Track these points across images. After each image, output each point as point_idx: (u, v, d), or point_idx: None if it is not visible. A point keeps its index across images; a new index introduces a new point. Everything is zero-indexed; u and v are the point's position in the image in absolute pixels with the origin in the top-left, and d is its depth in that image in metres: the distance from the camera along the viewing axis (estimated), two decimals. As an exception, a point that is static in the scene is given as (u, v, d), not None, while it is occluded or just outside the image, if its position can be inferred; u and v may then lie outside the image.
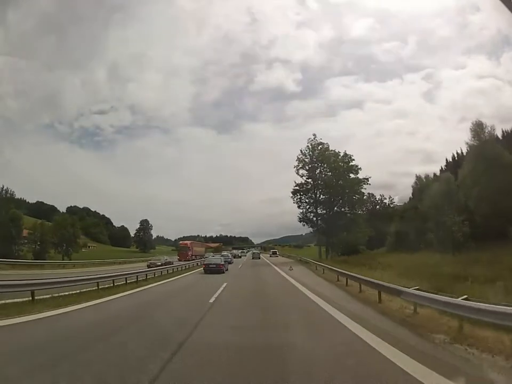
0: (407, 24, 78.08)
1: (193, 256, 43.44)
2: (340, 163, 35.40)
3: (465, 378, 3.80)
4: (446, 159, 42.90)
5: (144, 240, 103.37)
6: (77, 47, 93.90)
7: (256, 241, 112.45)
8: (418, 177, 46.14)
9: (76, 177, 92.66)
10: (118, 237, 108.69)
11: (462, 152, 41.89)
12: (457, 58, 79.86)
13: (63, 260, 39.06)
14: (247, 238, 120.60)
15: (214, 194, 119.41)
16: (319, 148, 36.34)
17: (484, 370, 4.00)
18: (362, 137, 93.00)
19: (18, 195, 66.69)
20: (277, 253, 62.35)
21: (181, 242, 55.98)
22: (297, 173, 36.42)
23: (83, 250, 71.76)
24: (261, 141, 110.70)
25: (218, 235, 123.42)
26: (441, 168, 43.51)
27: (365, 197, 35.13)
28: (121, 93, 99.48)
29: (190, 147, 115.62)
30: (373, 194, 41.47)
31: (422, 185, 42.00)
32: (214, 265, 22.04)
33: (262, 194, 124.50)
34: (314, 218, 36.30)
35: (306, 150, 36.54)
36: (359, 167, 35.37)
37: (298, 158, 36.59)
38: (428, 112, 72.23)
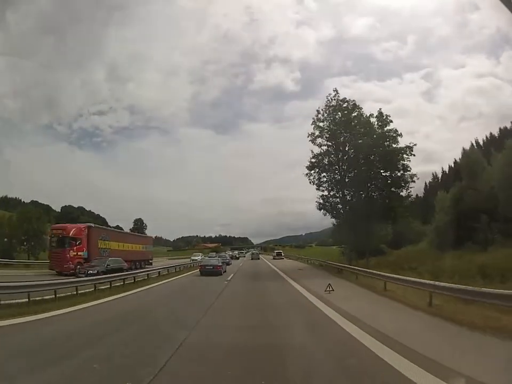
0: (406, 24, 75.12)
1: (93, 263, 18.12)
2: (374, 127, 25.22)
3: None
4: (463, 148, 37.42)
5: None
6: (76, 47, 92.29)
7: (255, 241, 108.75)
8: (465, 152, 36.32)
9: (74, 178, 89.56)
10: None
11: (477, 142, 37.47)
12: (457, 57, 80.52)
13: (28, 259, 34.42)
14: (247, 238, 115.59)
15: (213, 195, 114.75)
16: (342, 107, 26.19)
17: None
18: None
19: (15, 195, 66.17)
20: (282, 254, 51.81)
21: (54, 226, 25.89)
22: (313, 143, 26.03)
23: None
24: (260, 141, 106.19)
25: (217, 235, 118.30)
26: (455, 160, 39.39)
27: (408, 171, 24.51)
28: (120, 93, 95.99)
29: (189, 147, 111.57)
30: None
31: (472, 162, 31.98)
32: (211, 267, 20.46)
33: (261, 195, 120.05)
34: (340, 206, 25.73)
35: (325, 111, 26.31)
36: (399, 132, 25.13)
37: (314, 121, 26.15)
38: (427, 112, 70.23)
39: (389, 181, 24.75)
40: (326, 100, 26.21)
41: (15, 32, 67.06)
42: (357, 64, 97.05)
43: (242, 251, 74.52)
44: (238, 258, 53.96)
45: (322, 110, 25.99)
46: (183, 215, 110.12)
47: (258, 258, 47.88)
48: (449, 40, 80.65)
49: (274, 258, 47.02)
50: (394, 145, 24.25)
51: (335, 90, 26.56)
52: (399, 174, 24.25)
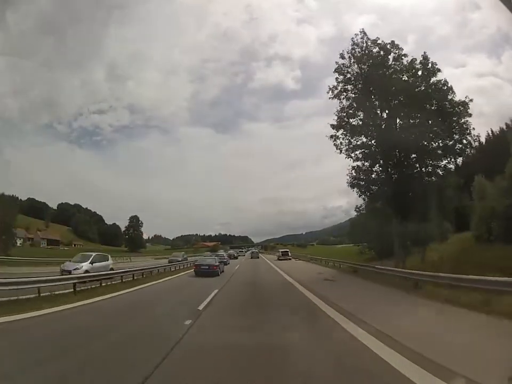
0: (406, 23, 68.80)
1: None
2: (417, 76, 18.09)
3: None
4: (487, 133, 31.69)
5: (133, 238, 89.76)
6: (75, 47, 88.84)
7: (256, 240, 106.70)
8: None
9: (74, 177, 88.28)
10: (109, 235, 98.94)
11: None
12: (457, 56, 72.92)
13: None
14: (247, 237, 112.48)
15: (213, 194, 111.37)
16: (372, 54, 19.04)
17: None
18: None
19: (12, 193, 59.09)
20: (289, 254, 41.97)
21: None
22: (339, 99, 18.83)
23: (65, 248, 65.09)
24: (260, 141, 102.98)
25: (217, 234, 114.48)
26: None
27: (469, 135, 17.28)
28: (120, 93, 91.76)
29: (189, 146, 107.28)
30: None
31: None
32: (207, 267, 18.36)
33: (261, 194, 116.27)
34: (373, 185, 18.27)
35: (351, 54, 19.06)
36: (449, 84, 18.11)
37: (337, 68, 18.95)
38: None
39: (439, 151, 17.55)
40: (352, 43, 18.97)
41: (15, 32, 64.42)
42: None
43: (242, 250, 69.51)
44: (236, 257, 47.18)
45: (347, 53, 18.71)
46: (183, 214, 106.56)
47: (258, 257, 46.30)
48: (449, 39, 75.47)
49: (279, 259, 39.32)
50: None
51: (362, 31, 19.31)
52: (456, 138, 17.09)
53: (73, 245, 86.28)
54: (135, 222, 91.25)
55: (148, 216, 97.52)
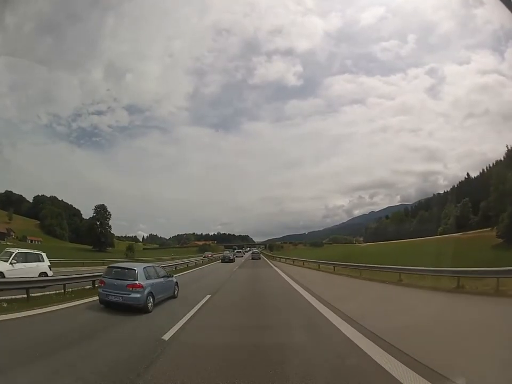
0: (410, 19, 67.40)
1: None
2: None
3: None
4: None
5: (97, 235, 68.42)
6: (73, 47, 74.02)
7: (256, 239, 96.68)
8: None
9: (69, 175, 75.02)
10: (84, 231, 79.15)
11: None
12: (461, 53, 64.17)
13: None
14: (247, 236, 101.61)
15: (214, 193, 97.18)
16: None
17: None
18: (364, 132, 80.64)
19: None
20: None
21: None
22: None
23: (8, 243, 50.97)
24: (262, 139, 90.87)
25: (216, 233, 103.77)
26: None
27: None
28: (118, 92, 76.46)
29: (190, 146, 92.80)
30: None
31: None
32: None
33: (262, 193, 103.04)
34: None
35: None
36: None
37: None
38: (431, 108, 63.94)
39: None
40: None
41: (13, 32, 51.63)
42: (358, 61, 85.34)
43: (240, 250, 59.75)
44: (232, 260, 35.34)
45: None
46: (183, 214, 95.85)
47: (259, 258, 44.73)
48: (452, 35, 67.57)
49: None
50: None
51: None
52: None
53: (29, 241, 66.99)
54: (101, 213, 69.32)
55: (146, 215, 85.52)
